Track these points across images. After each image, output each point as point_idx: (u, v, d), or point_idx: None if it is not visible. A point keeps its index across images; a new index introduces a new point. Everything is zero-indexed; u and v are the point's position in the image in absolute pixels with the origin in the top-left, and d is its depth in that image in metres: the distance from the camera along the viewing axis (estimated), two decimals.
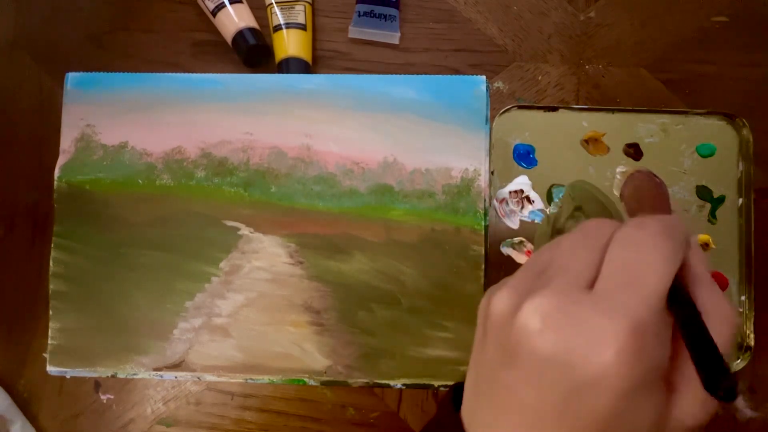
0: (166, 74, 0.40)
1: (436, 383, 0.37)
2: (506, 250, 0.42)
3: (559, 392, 0.22)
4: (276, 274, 0.38)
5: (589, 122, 0.43)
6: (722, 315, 0.23)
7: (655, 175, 0.42)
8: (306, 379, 0.38)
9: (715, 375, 0.20)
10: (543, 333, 0.22)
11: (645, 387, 0.21)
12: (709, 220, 0.42)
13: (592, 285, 0.23)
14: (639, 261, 0.22)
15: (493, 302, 0.25)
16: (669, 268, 0.22)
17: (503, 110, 0.43)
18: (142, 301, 0.38)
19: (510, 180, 0.43)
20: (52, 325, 0.39)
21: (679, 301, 0.22)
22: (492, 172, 0.42)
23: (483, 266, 0.37)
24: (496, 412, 0.24)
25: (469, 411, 0.27)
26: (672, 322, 0.22)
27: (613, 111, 0.43)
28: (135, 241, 0.39)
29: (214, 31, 0.46)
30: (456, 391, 0.29)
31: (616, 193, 0.42)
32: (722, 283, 0.41)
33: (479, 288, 0.37)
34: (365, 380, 0.37)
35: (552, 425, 0.23)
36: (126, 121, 0.40)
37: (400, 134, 0.39)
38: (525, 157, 0.43)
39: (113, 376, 0.39)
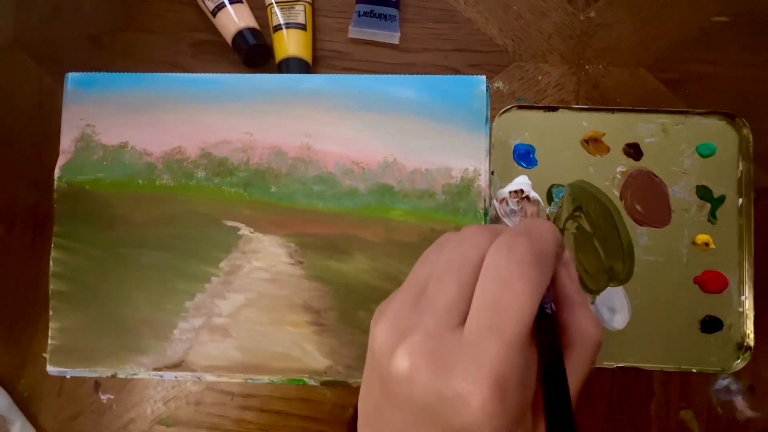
0: (166, 74, 0.40)
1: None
2: None
3: None
4: (276, 274, 0.38)
5: (589, 122, 0.43)
6: (585, 338, 0.24)
7: (655, 175, 0.42)
8: (306, 379, 0.38)
9: (558, 426, 0.21)
10: (413, 378, 0.22)
11: (511, 428, 0.21)
12: (709, 220, 0.42)
13: (463, 318, 0.22)
14: (503, 297, 0.22)
15: (374, 335, 0.24)
16: (534, 301, 0.22)
17: (503, 110, 0.43)
18: (142, 301, 0.38)
19: (510, 180, 0.43)
20: (52, 325, 0.39)
21: (541, 332, 0.22)
22: (492, 172, 0.42)
23: None
24: None
25: None
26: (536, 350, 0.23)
27: (613, 111, 0.43)
28: (135, 241, 0.39)
29: (214, 31, 0.46)
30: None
31: (616, 193, 0.42)
32: (722, 283, 0.41)
33: None
34: None
35: None
36: (126, 121, 0.40)
37: (400, 134, 0.39)
38: (525, 157, 0.43)
39: (113, 376, 0.39)
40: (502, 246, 0.23)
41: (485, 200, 0.38)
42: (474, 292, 0.22)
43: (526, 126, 0.43)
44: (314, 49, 0.46)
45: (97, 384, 0.44)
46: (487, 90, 0.39)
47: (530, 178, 0.43)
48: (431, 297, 0.23)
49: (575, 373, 0.23)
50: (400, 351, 0.22)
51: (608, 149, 0.43)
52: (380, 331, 0.24)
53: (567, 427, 0.21)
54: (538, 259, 0.23)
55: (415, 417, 0.22)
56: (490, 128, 0.40)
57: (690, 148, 0.42)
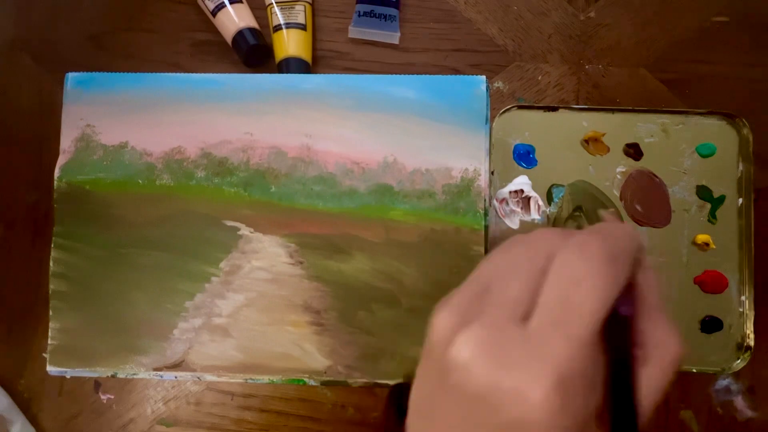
0: (166, 74, 0.40)
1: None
2: None
3: (488, 428, 0.21)
4: (276, 274, 0.38)
5: (589, 122, 0.43)
6: (663, 350, 0.23)
7: (655, 175, 0.42)
8: (306, 379, 0.38)
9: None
10: (472, 368, 0.21)
11: (572, 429, 0.21)
12: (709, 220, 0.42)
13: (528, 315, 0.22)
14: (572, 296, 0.21)
15: (435, 323, 0.24)
16: (604, 300, 0.21)
17: (503, 110, 0.43)
18: (142, 301, 0.38)
19: (510, 180, 0.43)
20: (52, 325, 0.39)
21: (612, 337, 0.22)
22: (492, 172, 0.42)
23: None
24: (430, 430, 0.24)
25: (411, 425, 0.26)
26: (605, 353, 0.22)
27: (613, 111, 0.43)
28: (135, 241, 0.39)
29: (214, 31, 0.46)
30: (397, 391, 0.29)
31: (616, 193, 0.42)
32: (722, 283, 0.41)
33: None
34: (365, 380, 0.37)
35: None
36: (126, 121, 0.40)
37: (400, 134, 0.39)
38: (525, 157, 0.43)
39: (113, 376, 0.39)
40: (573, 245, 0.22)
41: (485, 200, 0.38)
42: (541, 291, 0.22)
43: (526, 126, 0.43)
44: (314, 49, 0.46)
45: (97, 384, 0.44)
46: (487, 90, 0.39)
47: (530, 178, 0.43)
48: (497, 292, 0.23)
49: (650, 387, 0.22)
50: (460, 338, 0.22)
51: (608, 149, 0.43)
52: (441, 319, 0.23)
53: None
54: (612, 258, 0.22)
55: (469, 407, 0.22)
56: (490, 128, 0.40)
57: (690, 148, 0.42)
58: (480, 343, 0.21)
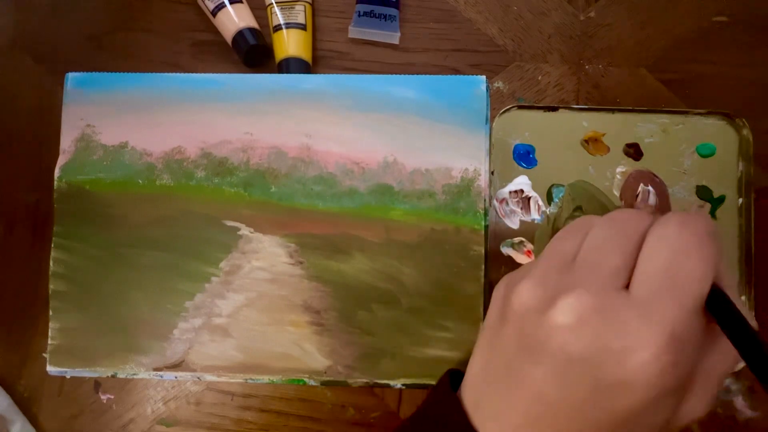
0: (166, 74, 0.40)
1: (436, 383, 0.37)
2: (506, 250, 0.42)
3: (584, 390, 0.22)
4: (276, 274, 0.38)
5: (589, 122, 0.43)
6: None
7: (655, 175, 0.42)
8: (306, 379, 0.38)
9: None
10: (576, 333, 0.22)
11: (671, 393, 0.22)
12: None
13: (626, 284, 0.23)
14: (681, 264, 0.22)
15: (518, 292, 0.24)
16: (710, 273, 0.22)
17: (503, 110, 0.43)
18: (142, 301, 0.38)
19: (510, 180, 0.43)
20: (52, 325, 0.39)
21: (720, 304, 0.22)
22: (492, 172, 0.42)
23: (483, 266, 0.37)
24: (509, 401, 0.24)
25: (474, 394, 0.27)
26: (706, 326, 0.22)
27: (613, 111, 0.43)
28: (135, 241, 0.39)
29: (214, 31, 0.46)
30: (452, 377, 0.29)
31: (616, 193, 0.42)
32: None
33: (479, 288, 0.37)
34: (365, 380, 0.37)
35: (567, 420, 0.23)
36: (126, 121, 0.40)
37: (400, 134, 0.39)
38: (525, 157, 0.43)
39: (113, 376, 0.39)
40: (673, 220, 0.23)
41: (485, 200, 0.38)
42: (637, 262, 0.23)
43: (526, 126, 0.43)
44: (314, 49, 0.46)
45: (97, 384, 0.44)
46: (487, 90, 0.39)
47: (530, 178, 0.43)
48: (592, 262, 0.24)
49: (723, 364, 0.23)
50: (562, 305, 0.22)
51: (608, 149, 0.43)
52: (526, 289, 0.24)
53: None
54: (713, 236, 0.23)
55: (565, 369, 0.22)
56: (490, 128, 0.40)
57: (690, 148, 0.42)
58: (584, 308, 0.22)
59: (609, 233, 0.24)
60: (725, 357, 0.23)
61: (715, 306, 0.22)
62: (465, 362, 0.29)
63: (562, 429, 0.23)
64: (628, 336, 0.21)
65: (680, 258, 0.22)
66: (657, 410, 0.22)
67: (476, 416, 0.26)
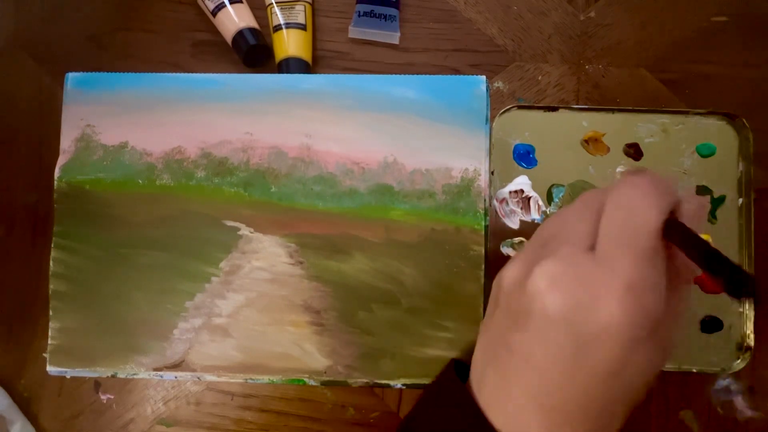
0: (166, 74, 0.40)
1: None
2: (506, 250, 0.42)
3: (567, 349, 0.24)
4: (276, 274, 0.38)
5: (589, 122, 0.43)
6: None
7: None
8: (306, 379, 0.38)
9: (735, 278, 0.21)
10: (551, 293, 0.24)
11: (643, 339, 0.23)
12: (709, 220, 0.42)
13: (593, 246, 0.25)
14: (630, 217, 0.24)
15: (504, 273, 0.27)
16: (657, 215, 0.24)
17: (503, 110, 0.43)
18: (142, 301, 0.38)
19: (510, 180, 0.43)
20: (52, 325, 0.39)
21: (675, 229, 0.24)
22: (492, 172, 0.42)
23: (483, 266, 0.37)
24: (504, 374, 0.26)
25: (477, 378, 0.28)
26: (666, 255, 0.24)
27: (613, 111, 0.43)
28: (135, 241, 0.39)
29: (214, 31, 0.46)
30: (455, 365, 0.31)
31: None
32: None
33: (479, 288, 0.37)
34: (365, 380, 0.37)
35: (558, 382, 0.24)
36: (126, 121, 0.40)
37: (400, 134, 0.39)
38: (525, 157, 0.43)
39: (113, 376, 0.39)
40: (621, 182, 0.25)
41: (485, 200, 0.38)
42: (599, 226, 0.25)
43: (526, 126, 0.43)
44: (314, 49, 0.46)
45: (97, 384, 0.44)
46: (487, 90, 0.39)
47: (530, 178, 0.43)
48: (560, 235, 0.26)
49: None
50: (536, 272, 0.25)
51: (608, 149, 0.43)
52: (509, 269, 0.27)
53: (738, 273, 0.21)
54: (658, 184, 0.25)
55: (547, 330, 0.24)
56: (490, 128, 0.40)
57: (690, 148, 0.42)
58: (555, 272, 0.24)
59: (577, 208, 0.27)
60: (687, 271, 0.25)
61: (672, 233, 0.24)
62: (465, 362, 0.30)
63: (554, 396, 0.24)
64: (594, 290, 0.23)
65: (627, 213, 0.24)
66: (634, 361, 0.23)
67: (480, 396, 0.27)
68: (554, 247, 0.25)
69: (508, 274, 0.27)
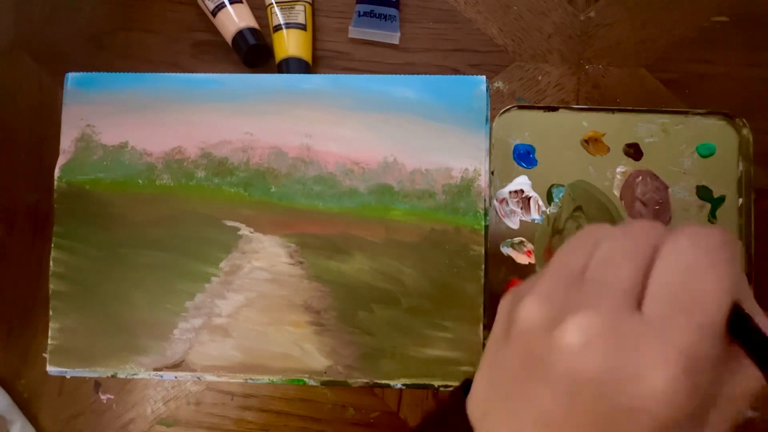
0: (166, 74, 0.40)
1: (436, 383, 0.37)
2: (506, 250, 0.42)
3: (594, 414, 0.21)
4: (276, 274, 0.38)
5: (589, 122, 0.43)
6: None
7: (655, 176, 0.42)
8: (306, 379, 0.38)
9: None
10: (587, 354, 0.21)
11: (688, 420, 0.20)
12: (709, 220, 0.42)
13: (638, 303, 0.21)
14: (695, 283, 0.21)
15: (523, 309, 0.23)
16: (728, 293, 0.20)
17: (503, 110, 0.43)
18: (142, 301, 0.38)
19: (510, 180, 0.43)
20: (52, 325, 0.39)
21: (742, 326, 0.21)
22: (492, 172, 0.42)
23: (483, 266, 0.37)
24: (513, 420, 0.23)
25: (479, 411, 0.26)
26: (726, 348, 0.21)
27: (613, 111, 0.43)
28: (135, 241, 0.39)
29: (214, 31, 0.46)
30: (465, 389, 0.28)
31: (616, 193, 0.42)
32: None
33: (479, 288, 0.37)
34: (365, 380, 0.37)
35: None
36: (126, 121, 0.40)
37: (400, 134, 0.39)
38: (525, 157, 0.43)
39: (113, 376, 0.39)
40: (686, 234, 0.22)
41: (485, 200, 0.38)
42: (650, 279, 0.22)
43: (526, 126, 0.43)
44: (314, 49, 0.46)
45: (97, 384, 0.44)
46: (487, 90, 0.39)
47: (530, 178, 0.43)
48: (601, 279, 0.22)
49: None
50: (571, 325, 0.21)
51: (608, 149, 0.43)
52: (531, 308, 0.23)
53: None
54: (730, 252, 0.21)
55: (573, 392, 0.21)
56: (490, 128, 0.40)
57: (690, 148, 0.42)
58: (595, 330, 0.21)
59: (619, 247, 0.23)
60: (747, 381, 0.22)
61: (738, 328, 0.21)
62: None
63: None
64: (641, 359, 0.20)
65: (694, 276, 0.21)
66: None
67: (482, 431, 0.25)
68: (593, 294, 0.22)
69: (529, 313, 0.23)
